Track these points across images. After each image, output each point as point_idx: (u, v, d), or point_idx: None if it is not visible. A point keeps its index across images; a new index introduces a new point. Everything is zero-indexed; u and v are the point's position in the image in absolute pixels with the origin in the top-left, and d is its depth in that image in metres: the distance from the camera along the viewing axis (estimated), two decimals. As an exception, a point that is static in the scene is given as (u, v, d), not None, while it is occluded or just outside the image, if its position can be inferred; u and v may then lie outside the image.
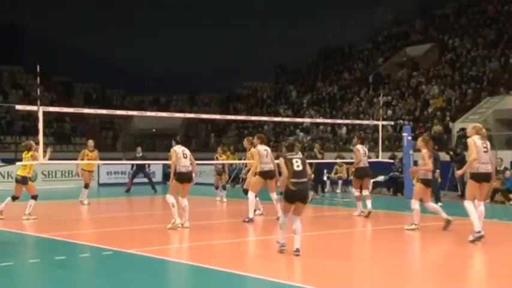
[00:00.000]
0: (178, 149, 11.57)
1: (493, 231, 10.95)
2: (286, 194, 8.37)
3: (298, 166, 8.33)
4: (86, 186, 16.29)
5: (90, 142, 16.70)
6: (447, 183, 19.61)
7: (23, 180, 12.67)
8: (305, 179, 8.43)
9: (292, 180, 8.24)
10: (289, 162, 8.33)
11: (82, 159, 16.17)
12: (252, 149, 13.12)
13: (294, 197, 8.30)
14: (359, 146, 13.92)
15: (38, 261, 8.43)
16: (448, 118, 24.64)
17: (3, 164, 17.41)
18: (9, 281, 7.38)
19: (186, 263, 8.42)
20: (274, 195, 12.69)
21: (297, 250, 8.29)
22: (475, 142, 9.77)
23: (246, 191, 13.05)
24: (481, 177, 9.74)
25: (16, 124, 31.38)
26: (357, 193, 13.67)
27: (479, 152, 9.74)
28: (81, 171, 16.62)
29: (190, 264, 8.31)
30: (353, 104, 29.83)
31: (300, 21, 37.20)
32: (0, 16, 37.55)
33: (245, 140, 14.16)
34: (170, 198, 11.39)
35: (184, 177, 11.48)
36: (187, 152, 11.64)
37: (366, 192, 13.69)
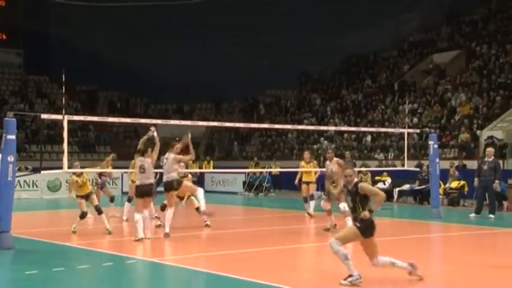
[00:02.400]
0: (139, 162, 11.13)
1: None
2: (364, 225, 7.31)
3: None
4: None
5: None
6: (475, 193, 19.19)
7: None
8: None
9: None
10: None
11: None
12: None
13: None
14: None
15: (61, 269, 8.39)
16: (475, 126, 24.22)
17: (28, 172, 17.50)
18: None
19: (210, 272, 8.29)
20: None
21: (411, 265, 7.49)
22: None
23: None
24: None
25: (41, 133, 31.69)
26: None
27: None
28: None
29: (214, 273, 8.18)
30: (378, 111, 29.52)
31: (324, 29, 36.98)
32: (27, 26, 38.11)
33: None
34: (135, 215, 10.89)
35: (141, 191, 11.03)
36: (145, 165, 11.06)
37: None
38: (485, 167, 15.18)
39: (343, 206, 11.87)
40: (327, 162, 13.13)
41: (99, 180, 15.05)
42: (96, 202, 12.40)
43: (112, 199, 14.97)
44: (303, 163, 15.12)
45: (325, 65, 37.79)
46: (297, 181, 15.34)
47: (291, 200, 21.90)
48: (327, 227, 12.55)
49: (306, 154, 15.11)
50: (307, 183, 14.98)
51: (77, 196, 12.47)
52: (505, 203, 17.60)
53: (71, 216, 14.15)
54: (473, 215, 15.35)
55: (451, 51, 31.54)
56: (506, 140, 22.17)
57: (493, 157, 15.36)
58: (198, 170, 14.92)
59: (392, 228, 13.14)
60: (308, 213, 15.00)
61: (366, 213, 7.24)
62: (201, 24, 38.79)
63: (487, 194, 15.55)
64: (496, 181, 15.27)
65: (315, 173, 15.01)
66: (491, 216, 15.05)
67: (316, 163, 15.78)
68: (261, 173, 24.81)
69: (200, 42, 38.21)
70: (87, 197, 12.36)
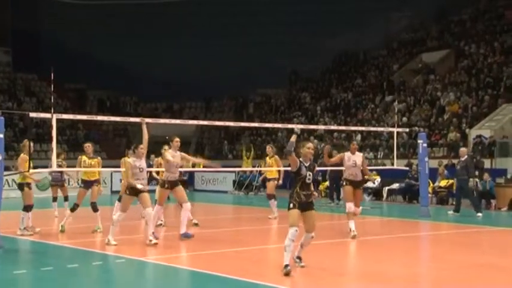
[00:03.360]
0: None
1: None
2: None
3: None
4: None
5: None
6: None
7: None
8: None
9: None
10: None
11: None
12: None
13: None
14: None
15: (50, 269, 8.35)
16: (464, 125, 24.36)
17: (15, 171, 17.32)
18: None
19: (200, 271, 8.28)
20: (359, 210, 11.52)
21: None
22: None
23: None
24: None
25: (30, 131, 31.46)
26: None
27: None
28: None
29: (203, 272, 8.17)
30: (368, 110, 29.62)
31: (314, 28, 37.07)
32: (15, 24, 37.84)
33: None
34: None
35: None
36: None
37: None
38: (458, 167, 15.47)
39: (350, 206, 11.22)
40: (348, 153, 11.81)
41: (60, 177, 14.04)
42: (95, 199, 12.03)
43: (66, 199, 13.97)
44: (267, 158, 14.32)
45: (315, 64, 37.85)
46: (261, 178, 14.80)
47: (280, 199, 21.94)
48: (354, 232, 11.09)
49: (269, 148, 14.12)
50: (269, 180, 14.38)
51: (82, 182, 12.04)
52: (493, 202, 17.73)
53: (58, 214, 14.09)
54: (451, 212, 15.57)
55: (440, 51, 31.72)
56: (494, 138, 22.32)
57: (466, 156, 15.63)
58: (188, 169, 14.77)
59: (382, 226, 13.20)
60: (271, 218, 14.16)
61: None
62: (191, 23, 38.73)
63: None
64: (471, 179, 15.48)
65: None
66: (479, 214, 15.19)
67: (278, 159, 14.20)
68: (251, 171, 24.81)
69: (190, 41, 38.14)
70: (91, 184, 11.93)
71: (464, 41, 31.03)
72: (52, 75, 11.84)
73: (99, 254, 9.71)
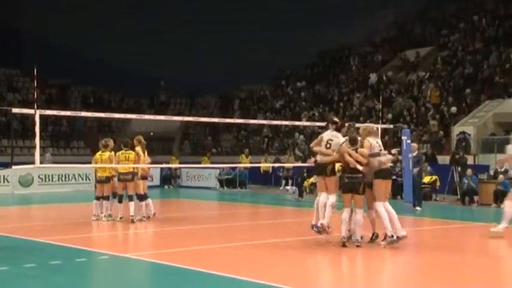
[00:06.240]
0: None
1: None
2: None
3: None
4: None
5: None
6: (447, 187, 19.53)
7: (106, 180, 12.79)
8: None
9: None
10: None
11: None
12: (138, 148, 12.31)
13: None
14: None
15: (33, 266, 8.28)
16: (446, 121, 24.58)
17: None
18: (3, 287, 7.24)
19: (183, 267, 8.27)
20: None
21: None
22: (371, 143, 9.84)
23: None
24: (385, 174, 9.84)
25: (12, 127, 31.14)
26: None
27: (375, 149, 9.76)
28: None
29: (186, 268, 8.17)
30: (352, 107, 29.75)
31: (299, 24, 37.22)
32: (-2, 19, 37.51)
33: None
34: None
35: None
36: None
37: None
38: (410, 162, 15.76)
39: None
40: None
41: None
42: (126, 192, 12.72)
43: None
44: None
45: (301, 61, 37.98)
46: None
47: (265, 195, 21.99)
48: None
49: (105, 142, 12.64)
50: (102, 181, 12.77)
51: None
52: (476, 198, 17.89)
53: (42, 210, 13.98)
54: (418, 208, 15.79)
55: (424, 47, 31.95)
56: (477, 135, 22.57)
57: (416, 152, 15.89)
58: (175, 166, 14.69)
59: (365, 223, 13.23)
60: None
61: None
62: (175, 20, 38.64)
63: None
64: (414, 170, 15.67)
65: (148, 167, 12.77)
66: (418, 208, 15.52)
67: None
68: (234, 168, 24.72)
69: (175, 37, 38.09)
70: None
71: (447, 38, 31.28)
72: (35, 71, 11.74)
73: (83, 250, 9.65)
